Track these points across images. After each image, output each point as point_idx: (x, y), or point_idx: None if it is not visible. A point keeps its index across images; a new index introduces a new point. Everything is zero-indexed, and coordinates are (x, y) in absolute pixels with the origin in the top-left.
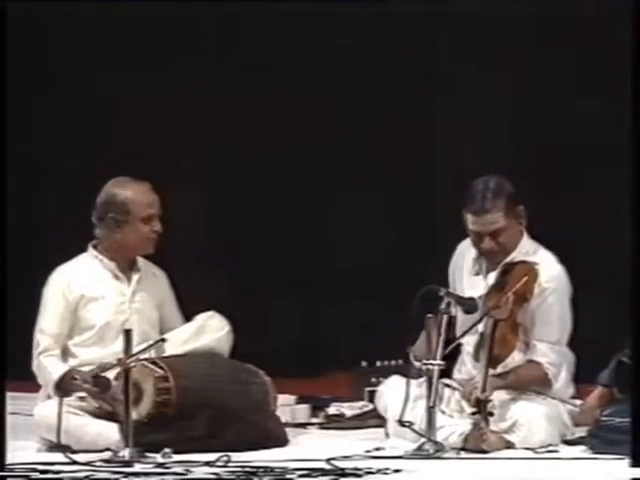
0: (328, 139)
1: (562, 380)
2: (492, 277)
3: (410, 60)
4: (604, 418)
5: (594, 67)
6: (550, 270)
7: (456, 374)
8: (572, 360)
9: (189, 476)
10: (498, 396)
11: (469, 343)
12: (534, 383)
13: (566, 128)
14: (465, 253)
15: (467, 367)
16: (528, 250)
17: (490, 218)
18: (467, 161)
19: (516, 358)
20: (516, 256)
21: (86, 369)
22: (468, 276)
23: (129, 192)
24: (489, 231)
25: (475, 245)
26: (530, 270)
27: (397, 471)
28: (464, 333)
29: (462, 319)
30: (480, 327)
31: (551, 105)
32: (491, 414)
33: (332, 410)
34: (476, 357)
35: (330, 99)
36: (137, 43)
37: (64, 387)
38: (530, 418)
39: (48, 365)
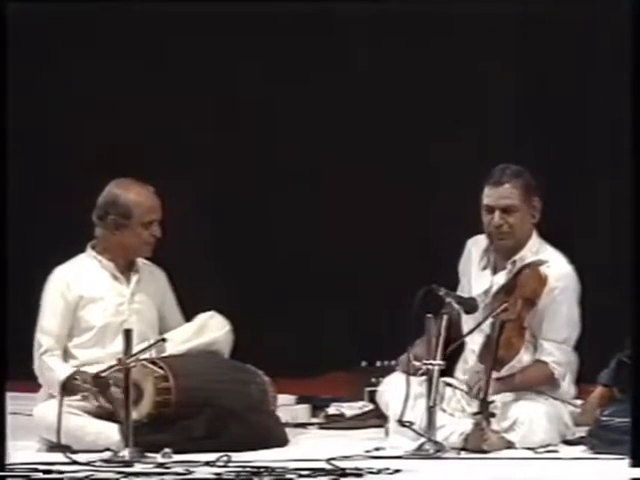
0: (329, 139)
1: (565, 380)
2: (500, 275)
3: (413, 57)
4: (604, 418)
5: (595, 66)
6: (560, 269)
7: (458, 373)
8: (576, 361)
9: (190, 476)
10: (500, 396)
11: (474, 342)
12: (541, 383)
13: (568, 126)
14: (472, 249)
15: (469, 366)
16: (538, 249)
17: (505, 191)
18: (470, 161)
19: (522, 360)
20: (526, 255)
21: (87, 370)
22: (476, 270)
23: (132, 195)
24: (502, 206)
25: (486, 226)
26: (540, 274)
27: (397, 471)
28: (468, 333)
29: (467, 317)
30: (487, 329)
31: (554, 103)
32: (493, 415)
33: (332, 410)
34: (481, 359)
35: (330, 99)
36: (138, 42)
37: (70, 387)
38: (531, 417)
39: (53, 365)
